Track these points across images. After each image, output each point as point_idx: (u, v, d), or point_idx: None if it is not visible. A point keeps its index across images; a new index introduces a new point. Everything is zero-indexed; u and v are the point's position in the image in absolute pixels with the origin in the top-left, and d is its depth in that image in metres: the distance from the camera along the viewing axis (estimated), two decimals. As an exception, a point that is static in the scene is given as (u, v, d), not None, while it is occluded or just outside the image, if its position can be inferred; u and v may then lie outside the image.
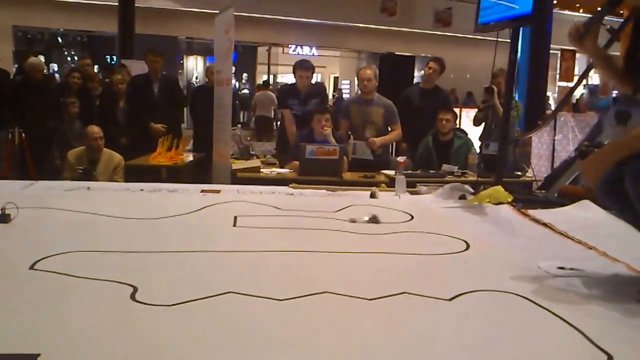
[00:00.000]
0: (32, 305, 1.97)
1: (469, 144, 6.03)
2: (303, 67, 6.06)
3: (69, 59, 20.16)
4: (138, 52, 10.02)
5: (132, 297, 2.06)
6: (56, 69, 18.51)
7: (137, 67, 8.21)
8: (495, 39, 4.73)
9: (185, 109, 8.48)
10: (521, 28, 4.79)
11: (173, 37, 17.20)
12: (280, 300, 2.06)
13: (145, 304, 2.00)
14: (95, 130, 5.50)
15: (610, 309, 2.09)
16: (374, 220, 3.35)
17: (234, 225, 3.22)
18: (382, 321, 1.97)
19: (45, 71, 8.61)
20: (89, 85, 7.54)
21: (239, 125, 5.89)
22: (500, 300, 2.17)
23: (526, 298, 2.15)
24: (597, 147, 4.64)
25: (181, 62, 19.27)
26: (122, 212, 3.35)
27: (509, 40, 4.70)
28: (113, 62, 14.17)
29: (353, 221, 3.34)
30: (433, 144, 5.93)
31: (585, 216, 3.69)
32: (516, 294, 2.18)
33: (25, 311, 1.92)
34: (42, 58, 7.68)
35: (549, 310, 2.04)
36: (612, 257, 2.73)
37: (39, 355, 1.58)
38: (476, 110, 7.78)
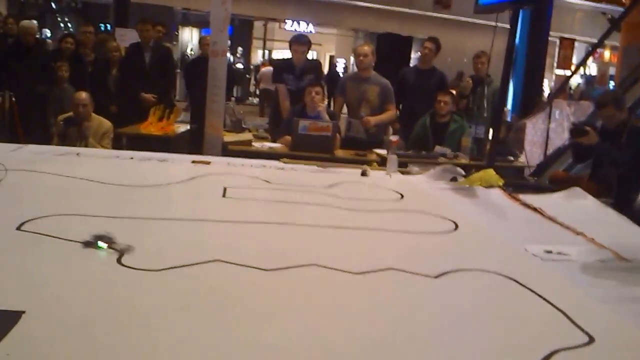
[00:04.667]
0: (17, 265, 1.96)
1: (465, 127, 6.04)
2: (299, 41, 6.03)
3: (62, 25, 19.97)
4: (133, 21, 9.94)
5: (119, 261, 2.05)
6: (49, 35, 18.33)
7: (132, 36, 8.14)
8: (495, 22, 4.72)
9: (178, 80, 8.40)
10: (521, 12, 4.77)
11: (169, 7, 17.06)
12: (267, 270, 2.06)
13: (131, 268, 2.00)
14: (82, 96, 5.45)
15: (594, 293, 2.09)
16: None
17: (224, 196, 3.21)
18: (367, 295, 1.97)
19: (37, 36, 8.51)
20: (82, 51, 7.48)
21: (233, 99, 5.84)
22: (486, 280, 2.18)
23: (511, 279, 2.16)
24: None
25: (176, 33, 19.13)
26: (111, 178, 3.33)
27: (508, 26, 4.69)
28: (108, 31, 14.06)
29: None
30: (430, 124, 5.92)
31: (575, 203, 3.70)
32: (501, 275, 2.19)
33: (11, 270, 1.91)
34: (34, 23, 7.55)
35: (533, 292, 2.04)
36: (599, 244, 2.74)
37: (23, 312, 1.58)
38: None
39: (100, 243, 2.16)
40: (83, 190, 3.11)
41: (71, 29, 19.51)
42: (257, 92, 15.85)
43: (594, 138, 4.51)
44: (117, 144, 5.56)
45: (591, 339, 1.68)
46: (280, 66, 6.47)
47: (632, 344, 1.73)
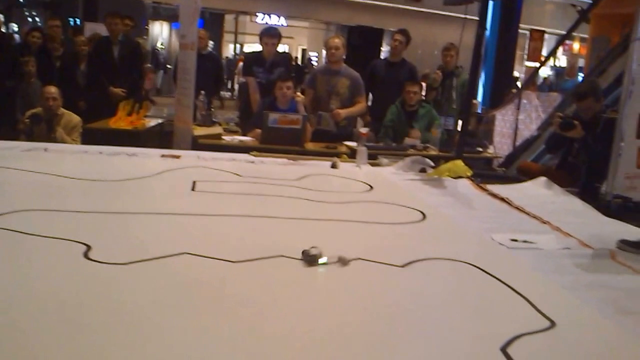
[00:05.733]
0: (-18, 261, 1.95)
1: (434, 115, 6.07)
2: (269, 34, 6.01)
3: (29, 19, 19.67)
4: (103, 15, 9.83)
5: (86, 255, 2.04)
6: (16, 29, 18.05)
7: (102, 30, 8.05)
8: (464, 14, 4.75)
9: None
10: (491, 4, 4.81)
11: (139, 1, 16.89)
12: (235, 262, 2.06)
13: (98, 262, 1.99)
14: (51, 90, 5.38)
15: (558, 280, 2.13)
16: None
17: (193, 189, 3.20)
18: (334, 285, 1.99)
19: (4, 29, 8.38)
20: (50, 45, 7.37)
21: (202, 92, 5.80)
22: (452, 268, 2.21)
23: (477, 267, 2.18)
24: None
25: (146, 27, 18.94)
26: (79, 173, 3.30)
27: (477, 18, 4.72)
28: (77, 25, 13.89)
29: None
30: (401, 109, 5.96)
31: (542, 193, 3.76)
32: (467, 263, 2.22)
33: (-25, 266, 1.90)
34: (0, 17, 7.43)
35: (498, 279, 2.07)
36: (564, 232, 2.79)
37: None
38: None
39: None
40: (51, 185, 3.09)
41: (39, 23, 19.24)
42: (235, 86, 15.78)
43: (581, 132, 4.57)
44: (86, 139, 5.50)
45: (553, 324, 1.72)
46: (250, 59, 6.45)
47: (592, 328, 1.77)
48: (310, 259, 2.10)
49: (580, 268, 2.30)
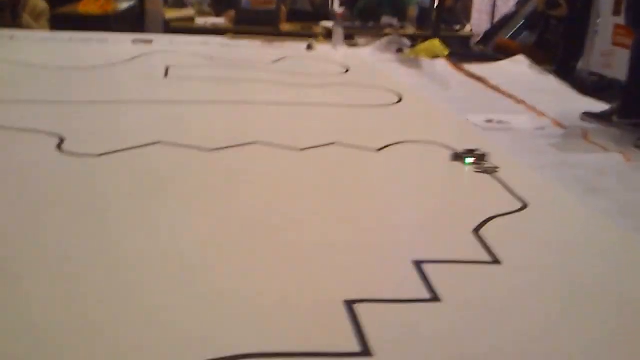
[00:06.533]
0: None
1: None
2: None
3: None
4: None
5: (59, 147, 2.02)
6: None
7: None
8: None
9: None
10: None
11: None
12: (209, 150, 2.06)
13: (72, 154, 1.98)
14: (15, -27, 5.14)
15: (530, 159, 2.16)
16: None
17: (165, 76, 3.15)
18: (311, 170, 2.00)
19: None
20: None
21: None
22: (428, 150, 2.22)
23: (452, 149, 2.19)
24: None
25: None
26: (48, 61, 3.22)
27: None
28: None
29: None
30: None
31: (519, 71, 3.74)
32: (442, 145, 2.23)
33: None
34: None
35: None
36: (539, 112, 2.80)
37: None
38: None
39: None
40: (17, 74, 3.01)
41: None
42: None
43: (565, 10, 4.50)
44: (54, 25, 5.31)
45: (525, 205, 1.75)
46: None
47: (563, 207, 1.81)
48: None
49: (553, 148, 2.33)
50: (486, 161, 1.98)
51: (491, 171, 1.95)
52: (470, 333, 1.16)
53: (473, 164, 1.97)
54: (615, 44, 3.34)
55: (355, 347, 1.10)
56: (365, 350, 1.09)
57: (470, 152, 2.00)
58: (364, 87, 3.15)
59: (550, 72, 3.68)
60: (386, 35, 4.52)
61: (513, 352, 1.12)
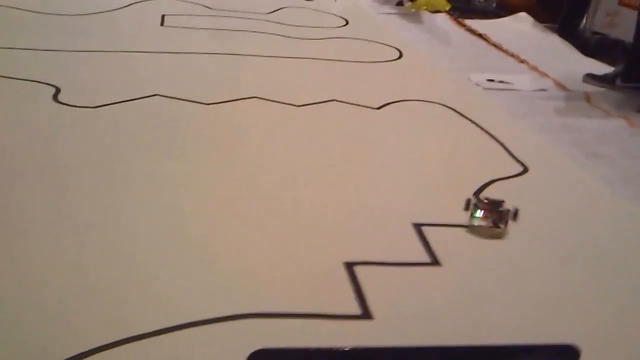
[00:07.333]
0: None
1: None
2: None
3: None
4: None
5: (55, 97, 1.99)
6: None
7: None
8: None
9: None
10: None
11: None
12: (207, 104, 2.02)
13: (68, 105, 1.94)
14: None
15: (532, 123, 2.14)
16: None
17: (162, 24, 3.08)
18: (309, 127, 1.97)
19: None
20: None
21: None
22: (428, 110, 2.19)
23: (453, 109, 2.17)
24: None
25: None
26: (40, 6, 3.15)
27: None
28: None
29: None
30: None
31: (521, 28, 3.69)
32: (444, 105, 2.20)
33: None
34: None
35: (473, 122, 2.07)
36: (541, 72, 2.77)
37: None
38: None
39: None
40: (11, 20, 2.95)
41: None
42: None
43: None
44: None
45: (525, 169, 1.74)
46: None
47: (564, 171, 1.79)
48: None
49: (554, 110, 2.30)
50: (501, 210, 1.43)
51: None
52: (470, 297, 1.16)
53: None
54: (621, 3, 3.28)
55: (356, 309, 1.09)
56: (366, 313, 1.09)
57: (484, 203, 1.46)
58: (363, 41, 3.10)
59: (553, 30, 3.63)
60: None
61: (513, 316, 1.11)
